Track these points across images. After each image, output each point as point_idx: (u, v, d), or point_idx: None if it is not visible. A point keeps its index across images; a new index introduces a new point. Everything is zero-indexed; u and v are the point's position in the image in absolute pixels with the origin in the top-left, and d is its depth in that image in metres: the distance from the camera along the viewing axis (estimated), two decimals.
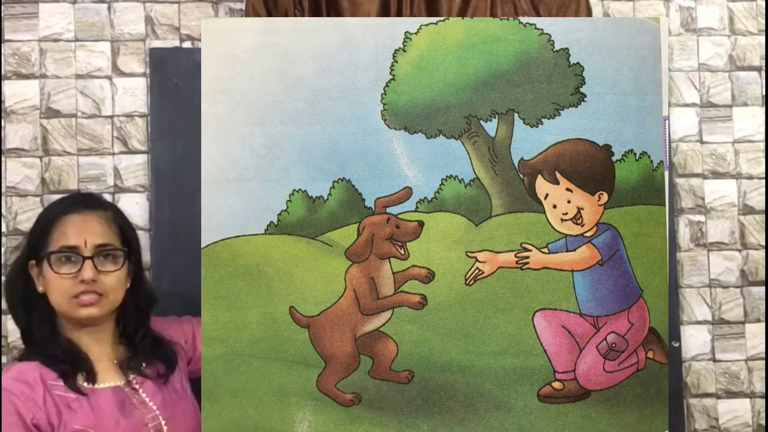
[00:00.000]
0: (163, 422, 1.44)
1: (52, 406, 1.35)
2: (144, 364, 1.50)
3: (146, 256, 1.88)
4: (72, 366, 1.41)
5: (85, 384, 1.41)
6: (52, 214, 1.48)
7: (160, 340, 1.56)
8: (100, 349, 1.47)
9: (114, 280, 1.45)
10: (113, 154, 1.95)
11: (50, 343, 1.43)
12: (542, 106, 1.47)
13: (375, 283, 1.46)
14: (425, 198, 1.47)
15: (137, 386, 1.46)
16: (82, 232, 1.43)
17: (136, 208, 1.93)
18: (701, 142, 2.08)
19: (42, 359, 1.40)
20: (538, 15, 1.90)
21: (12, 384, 1.36)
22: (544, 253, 1.46)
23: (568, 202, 1.46)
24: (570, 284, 1.46)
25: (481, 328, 1.46)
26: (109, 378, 1.45)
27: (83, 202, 1.50)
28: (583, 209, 1.46)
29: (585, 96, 1.47)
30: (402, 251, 1.46)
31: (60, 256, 1.41)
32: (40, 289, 1.44)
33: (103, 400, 1.41)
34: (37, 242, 1.45)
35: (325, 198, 1.48)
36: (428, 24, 1.49)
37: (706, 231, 2.05)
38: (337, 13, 1.84)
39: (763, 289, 2.06)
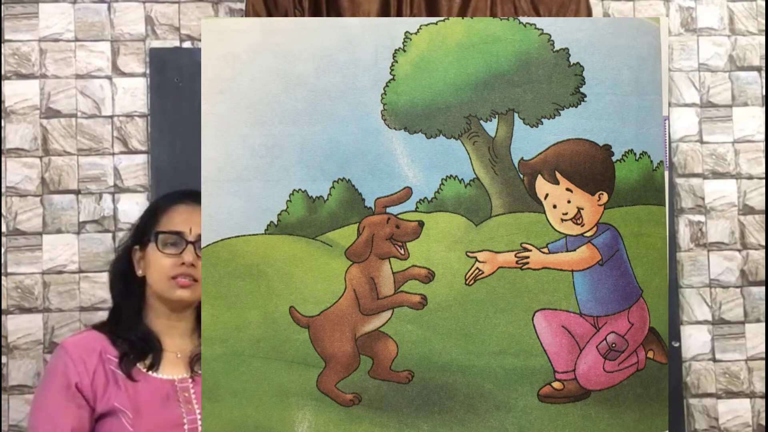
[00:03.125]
0: (200, 426, 1.48)
1: (102, 377, 1.44)
2: None
3: None
4: (139, 351, 1.50)
5: (143, 369, 1.49)
6: (160, 204, 1.60)
7: None
8: (174, 341, 1.55)
9: None
10: (113, 154, 1.95)
11: (131, 326, 1.52)
12: (542, 106, 1.47)
13: (375, 283, 1.46)
14: (425, 198, 1.47)
15: (191, 385, 1.52)
16: (188, 220, 1.55)
17: (136, 208, 1.93)
18: (701, 142, 2.08)
19: (110, 334, 1.50)
20: (538, 15, 1.90)
21: (72, 345, 1.48)
22: (544, 253, 1.46)
23: (568, 202, 1.46)
24: (570, 284, 1.46)
25: (481, 328, 1.46)
26: (170, 370, 1.52)
27: (192, 196, 1.60)
28: (583, 209, 1.46)
29: (585, 96, 1.47)
30: (402, 251, 1.46)
31: (166, 237, 1.53)
32: (140, 272, 1.55)
33: (150, 388, 1.47)
34: (144, 228, 1.57)
35: (325, 198, 1.48)
36: (428, 24, 1.49)
37: (706, 231, 2.05)
38: (337, 13, 1.84)
39: (763, 289, 2.06)
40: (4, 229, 1.91)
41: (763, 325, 2.05)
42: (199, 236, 1.52)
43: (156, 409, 1.46)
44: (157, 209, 1.59)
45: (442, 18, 1.50)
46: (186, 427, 1.47)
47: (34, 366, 1.97)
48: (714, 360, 2.03)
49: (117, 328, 1.53)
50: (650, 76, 1.52)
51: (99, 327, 1.56)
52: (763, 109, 2.09)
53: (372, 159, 1.48)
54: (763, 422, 2.03)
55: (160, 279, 1.53)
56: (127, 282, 1.57)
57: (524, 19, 1.49)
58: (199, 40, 1.96)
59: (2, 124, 1.93)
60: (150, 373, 1.50)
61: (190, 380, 1.54)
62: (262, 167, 1.48)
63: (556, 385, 1.45)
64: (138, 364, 1.49)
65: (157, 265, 1.53)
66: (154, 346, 1.53)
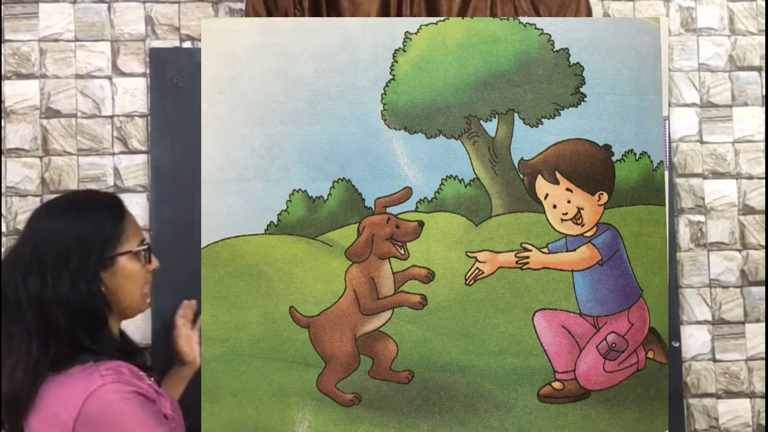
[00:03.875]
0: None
1: (151, 390, 1.33)
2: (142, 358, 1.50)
3: None
4: (142, 358, 1.41)
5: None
6: (112, 214, 1.43)
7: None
8: (135, 343, 1.49)
9: None
10: (113, 154, 1.95)
11: (119, 343, 1.40)
12: (542, 106, 1.47)
13: (375, 283, 1.46)
14: (425, 198, 1.47)
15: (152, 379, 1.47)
16: (138, 226, 1.45)
17: (136, 208, 1.92)
18: (701, 142, 2.08)
19: (118, 358, 1.35)
20: (538, 15, 1.90)
21: (110, 378, 1.28)
22: (544, 253, 1.46)
23: (568, 202, 1.46)
24: (570, 284, 1.46)
25: (481, 328, 1.46)
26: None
27: (117, 198, 1.47)
28: (583, 209, 1.46)
29: (585, 96, 1.47)
30: (402, 251, 1.46)
31: (143, 250, 1.42)
32: (102, 289, 1.37)
33: (164, 388, 1.41)
34: (108, 242, 1.39)
35: (325, 198, 1.48)
36: (428, 24, 1.49)
37: (706, 231, 2.05)
38: (337, 13, 1.84)
39: (763, 289, 2.06)
40: (4, 229, 1.91)
41: (763, 325, 2.04)
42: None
43: (175, 409, 1.40)
44: (115, 222, 1.42)
45: (442, 18, 1.50)
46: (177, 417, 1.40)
47: None
48: (714, 360, 2.03)
49: (102, 350, 1.34)
50: (650, 76, 1.52)
51: (96, 360, 1.34)
52: (763, 109, 2.09)
53: (372, 159, 1.48)
54: (763, 422, 2.03)
55: (138, 292, 1.41)
56: (75, 309, 1.35)
57: (524, 19, 1.49)
58: (199, 40, 1.96)
59: (2, 124, 1.93)
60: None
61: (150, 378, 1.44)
62: (262, 167, 1.48)
63: (556, 385, 1.45)
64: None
65: (138, 279, 1.41)
66: (141, 353, 1.43)
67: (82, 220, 1.40)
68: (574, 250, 1.46)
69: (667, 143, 1.87)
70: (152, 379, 1.37)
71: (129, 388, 1.28)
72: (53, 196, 1.89)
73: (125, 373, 1.31)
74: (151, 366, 1.41)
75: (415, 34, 1.48)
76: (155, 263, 1.44)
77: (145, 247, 1.42)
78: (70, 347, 1.32)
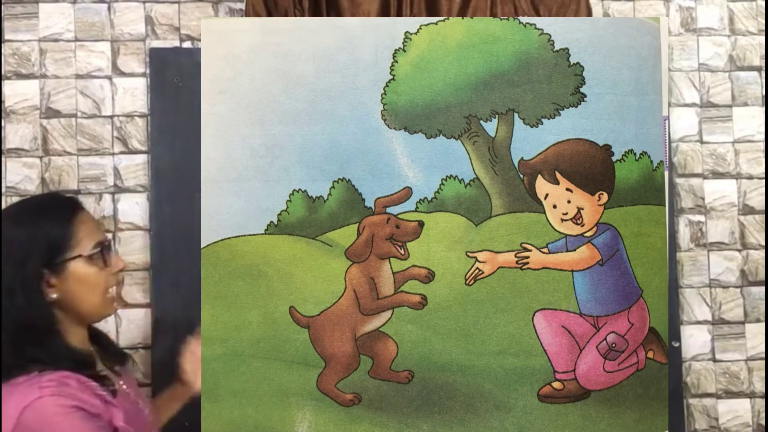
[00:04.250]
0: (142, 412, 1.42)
1: (99, 401, 1.30)
2: (111, 357, 1.47)
3: (146, 256, 1.88)
4: (94, 369, 1.37)
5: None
6: (60, 218, 1.39)
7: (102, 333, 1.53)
8: (91, 351, 1.43)
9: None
10: (113, 154, 1.95)
11: (70, 352, 1.35)
12: (542, 106, 1.47)
13: (375, 283, 1.46)
14: (425, 198, 1.47)
15: (121, 381, 1.42)
16: (97, 228, 1.40)
17: (136, 208, 1.92)
18: (701, 142, 2.08)
19: (68, 369, 1.31)
20: (538, 15, 1.90)
21: (49, 393, 1.24)
22: (544, 253, 1.46)
23: (568, 202, 1.46)
24: (570, 284, 1.46)
25: (481, 328, 1.46)
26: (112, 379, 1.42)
27: (74, 201, 1.44)
28: (583, 209, 1.46)
29: (585, 96, 1.47)
30: (402, 251, 1.46)
31: (98, 253, 1.37)
32: (54, 296, 1.35)
33: (122, 397, 1.37)
34: (56, 248, 1.36)
35: (325, 198, 1.48)
36: (428, 24, 1.49)
37: (706, 231, 2.05)
38: (337, 13, 1.84)
39: (763, 289, 2.06)
40: None
41: (763, 325, 2.04)
42: (107, 240, 1.39)
43: (137, 412, 1.37)
44: (63, 227, 1.37)
45: (442, 18, 1.50)
46: (147, 420, 1.39)
47: None
48: (714, 360, 2.03)
49: (51, 359, 1.30)
50: (650, 76, 1.52)
51: (46, 371, 1.30)
52: (763, 109, 2.09)
53: (372, 159, 1.48)
54: (763, 422, 2.03)
55: (97, 297, 1.37)
56: (31, 316, 1.32)
57: (524, 19, 1.49)
58: (199, 40, 1.96)
59: (2, 124, 1.93)
60: (115, 386, 1.36)
61: (119, 379, 1.42)
62: (262, 167, 1.48)
63: (556, 385, 1.45)
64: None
65: (96, 284, 1.36)
66: (92, 361, 1.38)
67: (30, 226, 1.36)
68: (574, 250, 1.46)
69: (667, 143, 1.87)
70: (108, 389, 1.33)
71: (69, 402, 1.24)
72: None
73: (71, 384, 1.27)
74: (106, 375, 1.36)
75: (415, 34, 1.48)
76: (119, 264, 1.39)
77: (98, 250, 1.36)
78: (18, 357, 1.29)
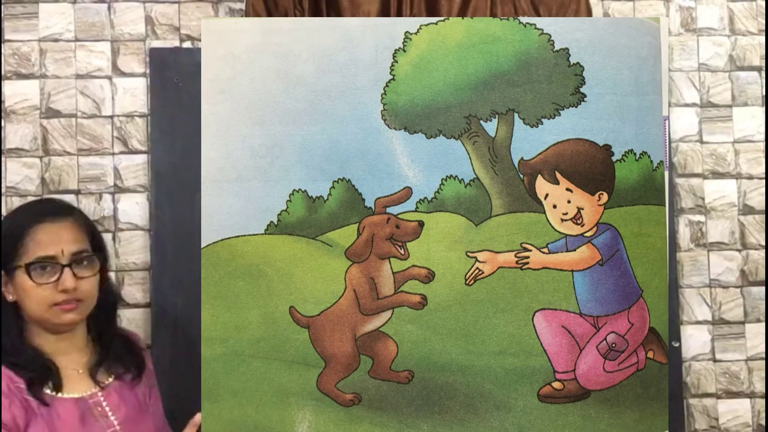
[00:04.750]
0: None
1: (20, 409, 1.35)
2: (114, 365, 1.51)
3: (146, 256, 1.88)
4: (38, 374, 1.41)
5: (50, 392, 1.41)
6: (21, 223, 1.46)
7: (129, 341, 1.58)
8: (70, 357, 1.48)
9: (90, 284, 1.47)
10: (113, 154, 1.95)
11: (18, 352, 1.41)
12: (542, 106, 1.47)
13: (375, 283, 1.46)
14: (425, 198, 1.47)
15: (102, 398, 1.47)
16: (58, 240, 1.43)
17: (136, 208, 1.93)
18: (701, 142, 2.08)
19: (8, 365, 1.40)
20: (538, 15, 1.90)
21: None
22: (544, 253, 1.46)
23: (568, 202, 1.46)
24: (570, 284, 1.46)
25: (481, 328, 1.46)
26: (75, 388, 1.45)
27: (53, 210, 1.49)
28: (583, 209, 1.46)
29: (585, 96, 1.47)
30: (402, 251, 1.46)
31: (37, 266, 1.41)
32: (11, 298, 1.44)
33: (64, 410, 1.41)
34: (8, 255, 1.43)
35: (325, 198, 1.48)
36: (428, 24, 1.49)
37: (706, 231, 2.05)
38: (337, 13, 1.84)
39: (763, 289, 2.06)
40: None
41: (763, 325, 2.05)
42: (73, 255, 1.43)
43: (76, 431, 1.39)
44: (17, 232, 1.43)
45: (442, 18, 1.50)
46: None
47: None
48: (714, 360, 2.03)
49: (5, 356, 1.40)
50: (650, 76, 1.52)
51: None
52: (763, 109, 2.09)
53: (372, 159, 1.48)
54: (763, 422, 2.03)
55: (39, 308, 1.42)
56: None
57: (524, 19, 1.49)
58: (199, 40, 1.96)
59: (2, 124, 1.93)
60: (58, 395, 1.41)
61: (99, 393, 1.47)
62: (262, 167, 1.48)
63: (556, 385, 1.45)
64: (44, 388, 1.40)
65: (34, 295, 1.41)
66: (48, 366, 1.42)
67: (5, 228, 1.45)
68: (574, 250, 1.46)
69: (667, 143, 1.87)
70: (34, 393, 1.37)
71: None
72: (53, 196, 1.90)
73: None
74: (56, 385, 1.40)
75: (415, 34, 1.48)
76: (66, 284, 1.40)
77: (39, 264, 1.39)
78: None
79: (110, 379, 1.50)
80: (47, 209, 1.50)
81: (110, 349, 1.52)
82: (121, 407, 1.48)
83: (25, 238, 1.42)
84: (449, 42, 1.48)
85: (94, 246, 1.50)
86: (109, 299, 1.56)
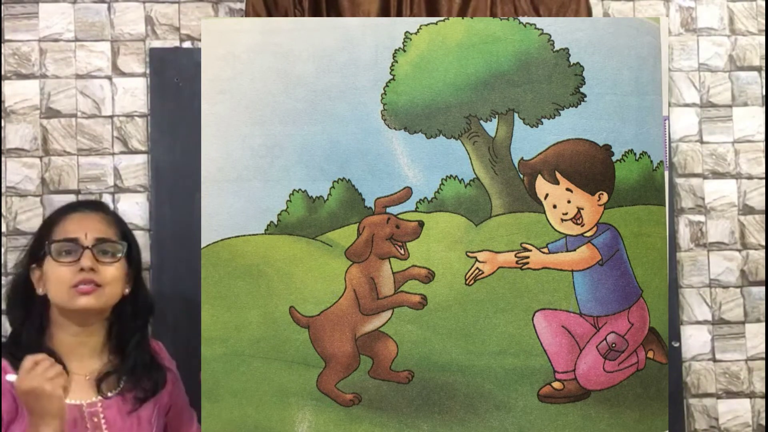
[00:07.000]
0: None
1: (8, 405, 1.36)
2: (125, 378, 1.49)
3: (146, 256, 1.88)
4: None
5: None
6: (53, 217, 1.53)
7: (155, 360, 1.56)
8: (83, 363, 1.47)
9: (112, 272, 1.47)
10: (113, 154, 1.95)
11: (33, 349, 1.41)
12: (542, 106, 1.47)
13: (375, 283, 1.46)
14: (425, 198, 1.47)
15: (101, 409, 1.45)
16: (83, 226, 1.48)
17: (136, 208, 1.92)
18: (701, 142, 2.08)
19: (10, 358, 1.41)
20: (538, 15, 1.90)
21: None
22: (544, 253, 1.46)
23: (568, 202, 1.46)
24: (570, 284, 1.46)
25: (481, 328, 1.46)
26: (78, 394, 1.44)
27: (85, 204, 1.56)
28: (583, 209, 1.46)
29: (585, 96, 1.47)
30: (402, 251, 1.46)
31: (61, 246, 1.45)
32: (40, 291, 1.47)
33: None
34: (39, 243, 1.49)
35: (325, 198, 1.48)
36: (428, 24, 1.49)
37: (706, 231, 2.05)
38: (337, 13, 1.84)
39: (763, 289, 2.06)
40: (4, 229, 1.91)
41: (763, 325, 2.04)
42: (96, 240, 1.47)
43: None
44: (50, 223, 1.52)
45: (442, 18, 1.50)
46: None
47: None
48: (714, 360, 2.03)
49: (18, 351, 1.40)
50: (650, 76, 1.52)
51: None
52: (763, 109, 2.09)
53: (372, 159, 1.48)
54: (763, 422, 2.03)
55: (59, 290, 1.44)
56: (26, 303, 1.49)
57: (524, 19, 1.49)
58: (199, 40, 1.95)
59: (2, 124, 1.93)
60: None
61: (99, 404, 1.45)
62: (262, 167, 1.48)
63: (556, 385, 1.45)
64: None
65: (55, 276, 1.44)
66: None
67: (41, 224, 1.57)
68: (574, 250, 1.46)
69: (667, 143, 1.87)
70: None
71: None
72: (53, 196, 1.90)
73: None
74: None
75: (415, 34, 1.48)
76: (84, 262, 1.44)
77: (63, 241, 1.46)
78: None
79: (114, 392, 1.48)
80: (80, 203, 1.58)
81: (127, 362, 1.50)
82: (117, 422, 1.45)
83: (55, 227, 1.49)
84: (449, 42, 1.48)
85: (123, 241, 1.52)
86: (138, 304, 1.54)
